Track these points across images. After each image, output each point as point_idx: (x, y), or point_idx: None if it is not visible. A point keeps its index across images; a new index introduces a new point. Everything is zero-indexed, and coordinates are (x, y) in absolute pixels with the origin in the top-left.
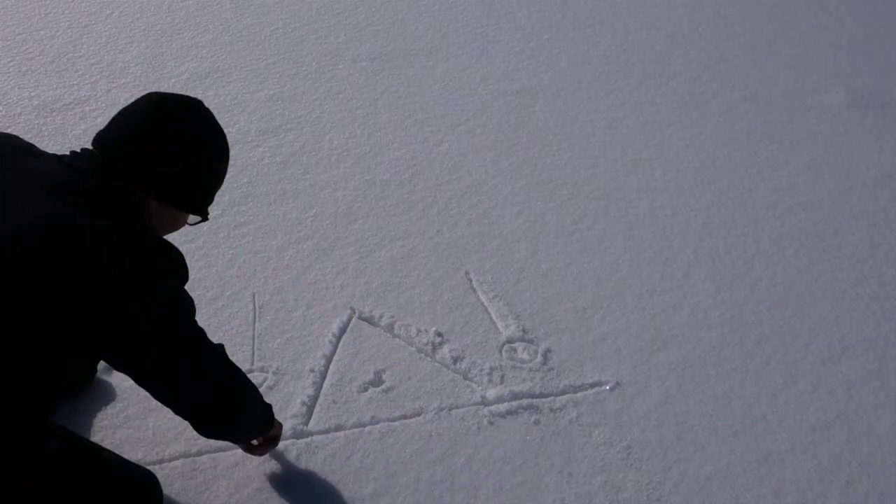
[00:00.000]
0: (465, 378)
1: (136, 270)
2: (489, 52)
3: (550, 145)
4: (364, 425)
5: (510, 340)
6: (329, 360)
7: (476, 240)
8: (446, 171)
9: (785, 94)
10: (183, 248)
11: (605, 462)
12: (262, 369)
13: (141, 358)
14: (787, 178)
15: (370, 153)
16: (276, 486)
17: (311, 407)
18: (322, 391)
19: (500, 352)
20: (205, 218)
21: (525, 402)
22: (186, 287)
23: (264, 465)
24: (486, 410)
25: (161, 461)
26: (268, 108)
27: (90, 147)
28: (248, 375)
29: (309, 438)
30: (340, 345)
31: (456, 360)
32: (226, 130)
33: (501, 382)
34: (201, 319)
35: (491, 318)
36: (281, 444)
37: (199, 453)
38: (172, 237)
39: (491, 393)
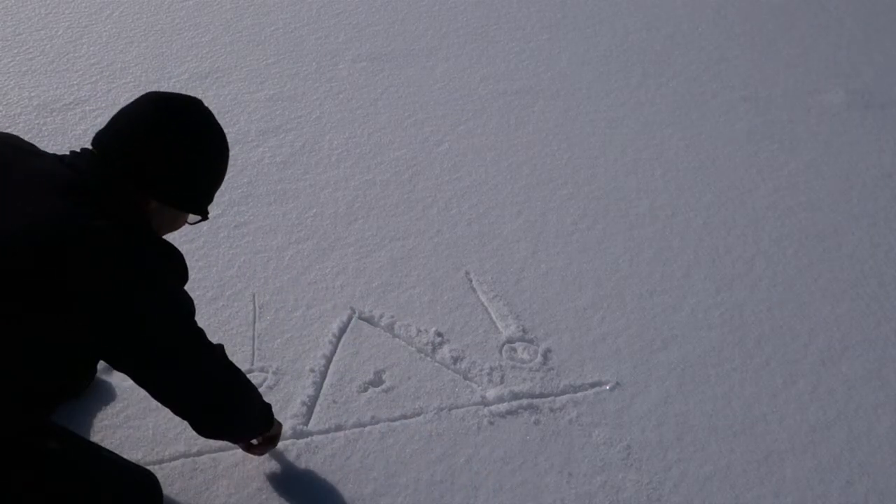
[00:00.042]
0: (465, 378)
1: (136, 270)
2: (489, 52)
3: (550, 145)
4: (364, 425)
5: (510, 340)
6: (329, 360)
7: (476, 240)
8: (446, 171)
9: (785, 94)
10: (183, 248)
11: (605, 462)
12: (262, 369)
13: (140, 358)
14: (787, 178)
15: (370, 153)
16: (276, 486)
17: (311, 407)
18: (322, 391)
19: (500, 352)
20: (205, 217)
21: (525, 402)
22: (186, 287)
23: (264, 465)
24: (486, 410)
25: (161, 461)
26: (268, 108)
27: (90, 147)
28: (248, 375)
29: (309, 438)
30: (340, 345)
31: (456, 360)
32: (226, 130)
33: (501, 382)
34: (201, 319)
35: (491, 318)
36: (281, 444)
37: (199, 453)
38: (172, 237)
39: (491, 393)
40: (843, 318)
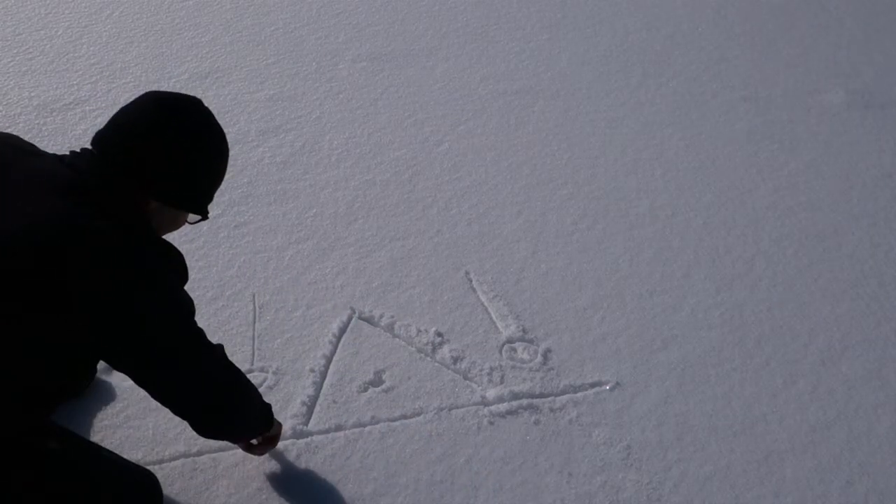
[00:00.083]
0: (465, 378)
1: (136, 270)
2: (489, 52)
3: (550, 145)
4: (364, 425)
5: (510, 340)
6: (329, 360)
7: (476, 240)
8: (446, 171)
9: (785, 94)
10: (183, 248)
11: (605, 462)
12: (262, 369)
13: (140, 358)
14: (787, 178)
15: (370, 153)
16: (276, 486)
17: (311, 407)
18: (322, 391)
19: (500, 352)
20: (205, 217)
21: (525, 402)
22: (186, 287)
23: (264, 465)
24: (486, 410)
25: (161, 461)
26: (268, 108)
27: (90, 147)
28: (248, 375)
29: (309, 438)
30: (340, 345)
31: (456, 360)
32: (226, 130)
33: (501, 382)
34: (201, 319)
35: (491, 318)
36: (281, 444)
37: (199, 453)
38: (172, 237)
39: (491, 393)
40: (843, 318)
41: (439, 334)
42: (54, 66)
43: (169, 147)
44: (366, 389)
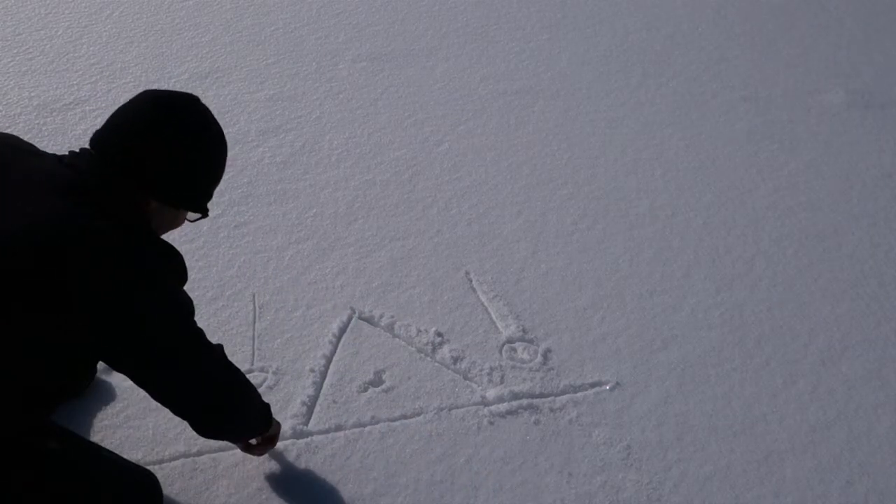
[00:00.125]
0: (465, 378)
1: (136, 270)
2: (489, 52)
3: (550, 145)
4: (364, 425)
5: (510, 340)
6: (329, 360)
7: (476, 240)
8: (446, 171)
9: (785, 94)
10: (183, 248)
11: (605, 462)
12: (262, 369)
13: (140, 358)
14: (787, 178)
15: (370, 153)
16: (276, 486)
17: (311, 407)
18: (322, 391)
19: (500, 352)
20: (205, 215)
21: (525, 402)
22: (186, 287)
23: (264, 465)
24: (486, 410)
25: (161, 461)
26: (268, 108)
27: (89, 147)
28: (248, 375)
29: (309, 438)
30: (340, 345)
31: (456, 360)
32: (226, 130)
33: (501, 382)
34: (201, 319)
35: (491, 318)
36: (281, 444)
37: (199, 453)
38: (173, 237)
39: (491, 393)
40: (843, 318)
41: (439, 334)
42: (54, 66)
43: (168, 146)
44: (366, 389)
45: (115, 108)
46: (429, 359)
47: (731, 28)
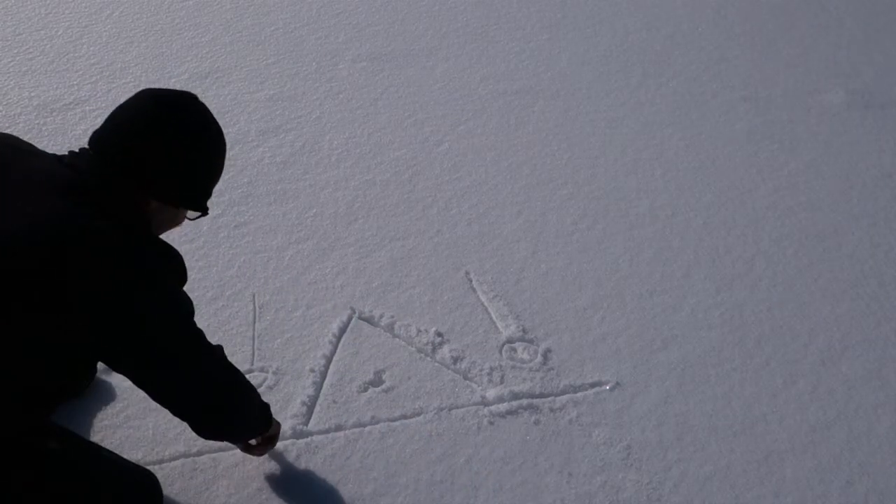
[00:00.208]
0: (465, 378)
1: (136, 270)
2: (489, 52)
3: (550, 145)
4: (364, 425)
5: (510, 340)
6: (329, 360)
7: (476, 240)
8: (446, 171)
9: (785, 94)
10: (183, 248)
11: (605, 462)
12: (262, 369)
13: (140, 358)
14: (787, 178)
15: (370, 153)
16: (276, 486)
17: (311, 407)
18: (322, 391)
19: (500, 352)
20: (205, 213)
21: (525, 402)
22: (186, 287)
23: (264, 465)
24: (486, 410)
25: (161, 461)
26: (268, 108)
27: (87, 147)
28: (248, 375)
29: (309, 438)
30: (340, 345)
31: (456, 360)
32: (226, 130)
33: (501, 382)
34: (201, 319)
35: (491, 318)
36: (281, 444)
37: (199, 453)
38: (173, 237)
39: (491, 393)
40: (843, 318)
41: (439, 334)
42: (54, 66)
43: (167, 145)
44: (366, 389)
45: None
46: (429, 359)
47: (731, 28)
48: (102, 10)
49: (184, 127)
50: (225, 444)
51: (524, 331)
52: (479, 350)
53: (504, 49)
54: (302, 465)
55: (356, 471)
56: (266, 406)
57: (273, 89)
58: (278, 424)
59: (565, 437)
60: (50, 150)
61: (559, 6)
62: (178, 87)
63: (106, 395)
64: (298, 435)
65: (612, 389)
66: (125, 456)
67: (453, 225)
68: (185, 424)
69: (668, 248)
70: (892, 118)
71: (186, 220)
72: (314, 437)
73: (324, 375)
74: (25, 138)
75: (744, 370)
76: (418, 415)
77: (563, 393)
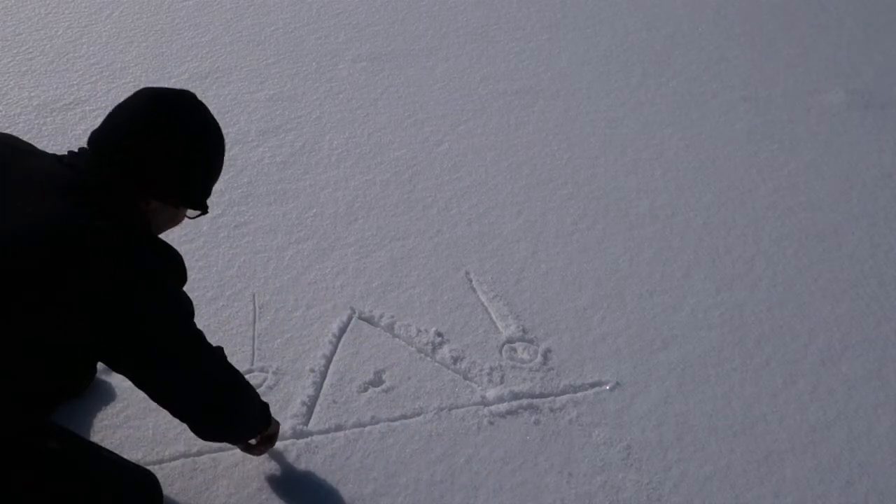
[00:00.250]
0: (465, 378)
1: (136, 270)
2: (489, 52)
3: (550, 145)
4: (364, 425)
5: (510, 340)
6: (329, 360)
7: (476, 240)
8: (446, 171)
9: (785, 94)
10: (183, 248)
11: (605, 462)
12: (262, 369)
13: (141, 358)
14: (787, 178)
15: (370, 153)
16: (276, 486)
17: (311, 407)
18: (322, 391)
19: (500, 352)
20: (204, 211)
21: (525, 402)
22: (186, 287)
23: (264, 465)
24: (486, 410)
25: (161, 461)
26: (268, 108)
27: (87, 146)
28: (248, 375)
29: (309, 438)
30: (340, 345)
31: (456, 360)
32: (226, 130)
33: (501, 382)
34: (201, 319)
35: (491, 318)
36: (281, 444)
37: (199, 453)
38: (173, 237)
39: (491, 393)
40: (843, 318)
41: (439, 334)
42: (54, 66)
43: (166, 145)
44: (366, 389)
45: None
46: (429, 359)
47: (731, 28)
48: (102, 10)
49: (183, 126)
50: (225, 444)
51: (524, 331)
52: (479, 350)
53: (504, 49)
54: (302, 465)
55: (356, 471)
56: (265, 405)
57: (273, 89)
58: (277, 424)
59: (565, 437)
60: (50, 150)
61: (559, 6)
62: (177, 87)
63: (106, 395)
64: (298, 435)
65: (612, 389)
66: (125, 456)
67: (453, 225)
68: (185, 424)
69: (668, 248)
70: (892, 118)
71: (186, 220)
72: (314, 437)
73: (324, 375)
74: (25, 138)
75: (744, 370)
76: (418, 415)
77: (563, 393)
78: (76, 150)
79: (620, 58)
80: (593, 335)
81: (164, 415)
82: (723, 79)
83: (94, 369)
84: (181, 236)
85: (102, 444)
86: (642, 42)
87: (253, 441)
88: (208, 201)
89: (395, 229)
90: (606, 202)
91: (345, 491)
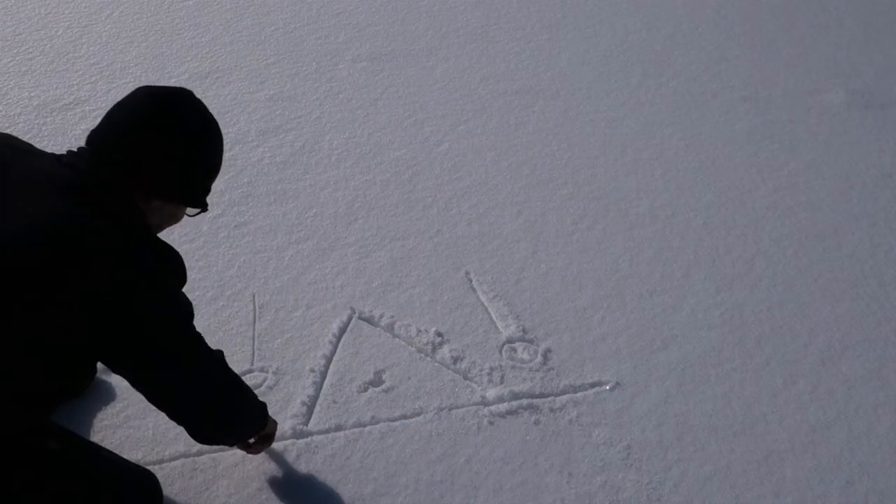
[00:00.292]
0: (465, 378)
1: (136, 270)
2: (489, 52)
3: (550, 145)
4: (364, 425)
5: (510, 340)
6: (329, 360)
7: (476, 240)
8: (446, 171)
9: (785, 94)
10: (183, 248)
11: (605, 462)
12: (262, 369)
13: (140, 358)
14: (787, 178)
15: (370, 153)
16: (276, 486)
17: (311, 407)
18: (322, 391)
19: (500, 352)
20: (204, 209)
21: (525, 402)
22: (186, 287)
23: (264, 465)
24: (486, 410)
25: (161, 461)
26: (268, 108)
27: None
28: (248, 375)
29: (309, 438)
30: (340, 345)
31: (456, 360)
32: (226, 130)
33: (501, 382)
34: (201, 319)
35: (491, 318)
36: (281, 444)
37: (199, 453)
38: (173, 237)
39: (491, 393)
40: (843, 318)
41: (439, 334)
42: (54, 66)
43: (165, 143)
44: (366, 389)
45: None
46: (429, 359)
47: (731, 28)
48: (102, 10)
49: (181, 124)
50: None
51: (524, 331)
52: (479, 350)
53: (504, 49)
54: (302, 465)
55: (356, 471)
56: (263, 405)
57: (273, 89)
58: (275, 423)
59: (565, 437)
60: (50, 150)
61: (559, 6)
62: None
63: (106, 395)
64: (298, 435)
65: (612, 389)
66: (125, 456)
67: (453, 225)
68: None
69: (668, 248)
70: (892, 118)
71: (187, 218)
72: (314, 437)
73: (324, 375)
74: (25, 138)
75: (744, 370)
76: (418, 415)
77: (563, 393)
78: (75, 150)
79: (620, 58)
80: (593, 335)
81: (164, 415)
82: (723, 79)
83: (94, 369)
84: (181, 236)
85: (102, 444)
86: (642, 42)
87: (252, 440)
88: (208, 199)
89: (395, 229)
90: (606, 202)
91: (345, 491)
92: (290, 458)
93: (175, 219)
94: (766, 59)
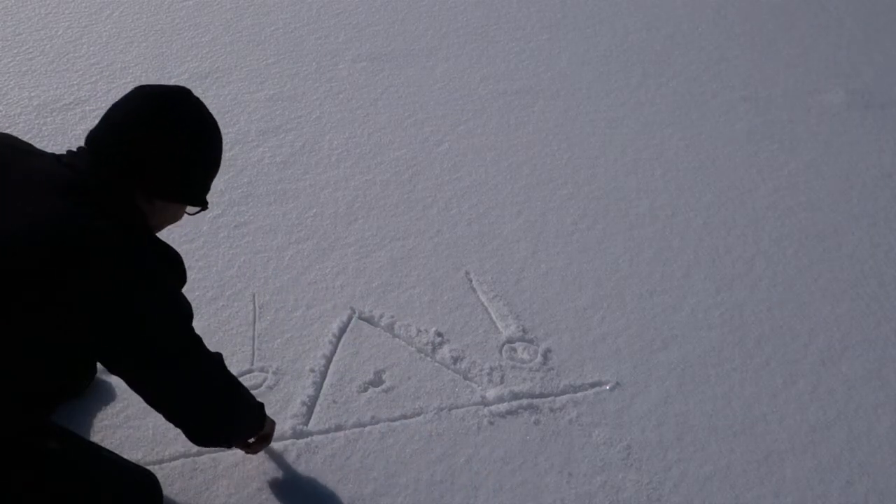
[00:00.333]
0: (465, 378)
1: (136, 270)
2: (489, 52)
3: (550, 145)
4: (364, 425)
5: (510, 340)
6: (329, 360)
7: (476, 240)
8: (446, 171)
9: (785, 94)
10: (183, 248)
11: (605, 462)
12: (262, 369)
13: (140, 358)
14: (787, 178)
15: (370, 153)
16: (276, 486)
17: (311, 407)
18: (322, 391)
19: (500, 352)
20: (204, 207)
21: (525, 402)
22: (186, 287)
23: (264, 464)
24: (486, 410)
25: (161, 461)
26: (268, 108)
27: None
28: (248, 375)
29: (309, 438)
30: (340, 345)
31: (456, 360)
32: (226, 130)
33: (501, 382)
34: (201, 319)
35: (491, 318)
36: (281, 444)
37: (199, 453)
38: (173, 237)
39: (491, 393)
40: (843, 318)
41: (439, 334)
42: (54, 66)
43: (164, 142)
44: (366, 389)
45: None
46: (429, 359)
47: (731, 28)
48: (102, 10)
49: (179, 122)
50: None
51: (524, 331)
52: (479, 350)
53: (504, 49)
54: (302, 465)
55: (356, 471)
56: (261, 406)
57: (273, 89)
58: (273, 423)
59: (565, 437)
60: (50, 150)
61: (559, 6)
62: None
63: (106, 395)
64: (298, 435)
65: (612, 389)
66: (125, 456)
67: (453, 225)
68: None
69: (668, 248)
70: (892, 118)
71: (187, 218)
72: (314, 437)
73: (324, 375)
74: (25, 138)
75: (744, 370)
76: (418, 415)
77: (563, 393)
78: (75, 150)
79: (620, 58)
80: (593, 335)
81: None
82: (723, 79)
83: (94, 369)
84: (181, 236)
85: (102, 444)
86: (642, 42)
87: (250, 440)
88: (207, 197)
89: (395, 229)
90: (606, 202)
91: (345, 491)
92: (290, 458)
93: (175, 218)
94: (766, 59)
